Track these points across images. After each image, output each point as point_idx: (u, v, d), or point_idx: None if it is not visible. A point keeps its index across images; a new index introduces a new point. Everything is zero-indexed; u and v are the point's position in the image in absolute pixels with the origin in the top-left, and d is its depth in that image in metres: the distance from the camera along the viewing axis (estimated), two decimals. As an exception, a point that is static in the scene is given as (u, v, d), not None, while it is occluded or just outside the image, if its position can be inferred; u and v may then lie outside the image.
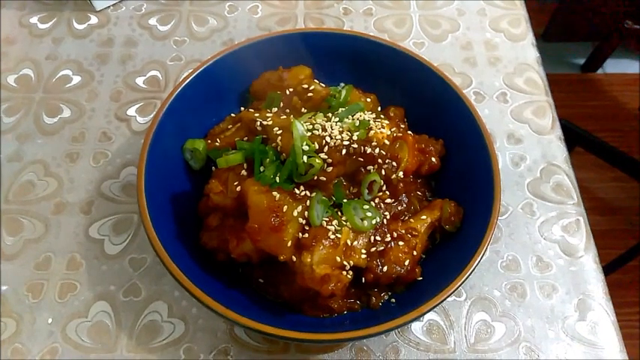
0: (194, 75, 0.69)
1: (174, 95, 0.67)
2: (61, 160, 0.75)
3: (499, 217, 0.71)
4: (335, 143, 0.55)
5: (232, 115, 0.71)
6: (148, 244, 0.67)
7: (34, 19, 0.89)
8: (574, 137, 1.50)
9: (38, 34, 0.87)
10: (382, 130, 0.59)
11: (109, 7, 0.90)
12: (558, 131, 0.80)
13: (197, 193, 0.65)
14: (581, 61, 2.15)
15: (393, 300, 0.61)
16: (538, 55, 0.88)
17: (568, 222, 0.72)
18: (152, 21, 0.90)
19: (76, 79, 0.82)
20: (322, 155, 0.55)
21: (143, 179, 0.60)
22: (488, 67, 0.86)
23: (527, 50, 0.89)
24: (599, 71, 2.16)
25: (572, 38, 2.18)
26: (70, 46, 0.86)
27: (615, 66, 2.17)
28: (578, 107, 2.03)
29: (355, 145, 0.55)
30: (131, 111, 0.79)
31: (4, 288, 0.65)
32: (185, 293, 0.65)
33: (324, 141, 0.55)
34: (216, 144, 0.67)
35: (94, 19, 0.89)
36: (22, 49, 0.85)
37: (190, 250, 0.61)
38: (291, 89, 0.66)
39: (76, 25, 0.89)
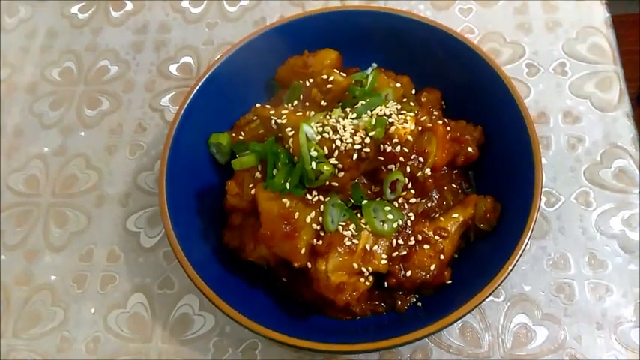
0: (217, 64, 0.68)
1: (197, 87, 0.66)
2: (101, 153, 0.77)
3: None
4: (346, 147, 0.51)
5: (257, 105, 0.68)
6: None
7: (74, 10, 0.90)
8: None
9: (78, 25, 0.89)
10: (405, 125, 0.54)
11: (143, -9, 0.89)
12: (626, 107, 0.70)
13: (223, 188, 0.65)
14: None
15: (420, 303, 0.58)
16: (607, 15, 0.76)
17: (630, 214, 0.64)
18: (185, 3, 0.88)
19: (114, 70, 0.83)
20: (332, 161, 0.51)
21: (164, 177, 0.61)
22: (546, 33, 0.76)
23: (594, 10, 0.77)
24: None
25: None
26: (107, 35, 0.87)
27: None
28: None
29: (368, 150, 0.51)
30: (164, 100, 0.80)
31: (53, 278, 0.69)
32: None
33: (333, 145, 0.51)
34: (241, 137, 0.65)
35: (129, 5, 0.89)
36: (64, 41, 0.87)
37: (214, 249, 0.61)
38: (311, 80, 0.62)
39: (112, 12, 0.89)
